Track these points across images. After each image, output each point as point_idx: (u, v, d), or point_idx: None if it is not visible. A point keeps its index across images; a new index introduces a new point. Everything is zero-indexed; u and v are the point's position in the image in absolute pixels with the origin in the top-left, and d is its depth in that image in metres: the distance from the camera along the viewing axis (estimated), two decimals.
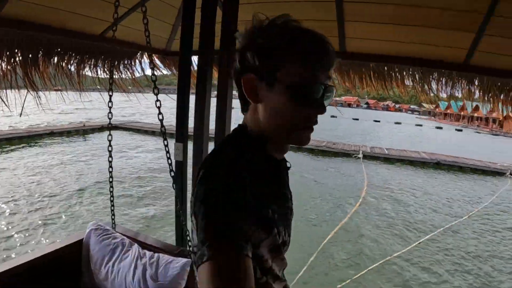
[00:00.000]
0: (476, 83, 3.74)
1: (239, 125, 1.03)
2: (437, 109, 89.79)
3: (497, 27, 2.83)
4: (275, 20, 0.92)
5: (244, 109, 1.04)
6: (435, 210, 11.35)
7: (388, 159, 19.18)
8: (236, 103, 1.30)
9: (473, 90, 3.78)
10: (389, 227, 9.26)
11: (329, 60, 0.91)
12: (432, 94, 3.80)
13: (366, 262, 6.98)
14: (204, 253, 0.75)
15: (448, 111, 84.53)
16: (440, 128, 58.56)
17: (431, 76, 3.68)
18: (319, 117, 0.96)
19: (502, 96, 3.76)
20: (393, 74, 3.71)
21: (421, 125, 59.49)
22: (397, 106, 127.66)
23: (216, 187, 0.83)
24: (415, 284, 6.32)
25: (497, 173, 18.68)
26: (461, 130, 59.53)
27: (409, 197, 12.53)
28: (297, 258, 6.65)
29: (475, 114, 74.62)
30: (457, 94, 3.85)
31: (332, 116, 51.10)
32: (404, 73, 3.70)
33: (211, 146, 1.54)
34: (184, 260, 2.19)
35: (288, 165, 1.10)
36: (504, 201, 13.28)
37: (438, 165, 19.10)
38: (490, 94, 3.76)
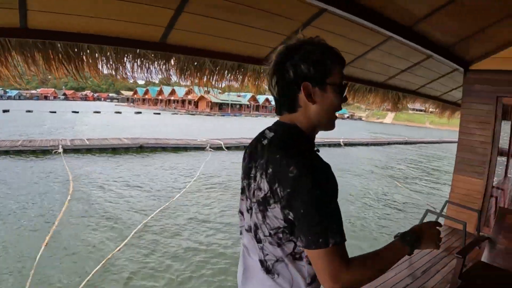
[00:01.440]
0: (173, 62, 4.03)
1: (290, 124, 1.30)
2: (135, 96, 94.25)
3: (197, 3, 3.10)
4: (313, 39, 1.27)
5: (291, 110, 1.31)
6: (149, 192, 12.10)
7: (91, 150, 19.01)
8: None
9: (170, 70, 4.06)
10: (102, 221, 9.15)
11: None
12: (127, 76, 3.77)
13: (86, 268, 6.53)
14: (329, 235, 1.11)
15: (146, 96, 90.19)
16: (140, 113, 62.38)
17: (126, 57, 3.66)
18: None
19: (199, 75, 4.28)
20: (84, 56, 3.40)
21: (120, 112, 61.37)
22: (96, 95, 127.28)
23: (321, 172, 1.16)
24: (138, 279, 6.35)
25: (199, 148, 22.27)
26: (159, 113, 65.13)
27: (118, 186, 12.77)
28: None
29: (172, 98, 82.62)
30: (154, 76, 4.00)
31: (28, 111, 46.89)
32: (97, 54, 3.48)
33: None
34: None
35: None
36: (210, 169, 16.15)
37: (142, 149, 20.61)
38: (187, 73, 4.18)
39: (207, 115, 69.20)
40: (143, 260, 6.95)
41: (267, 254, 1.28)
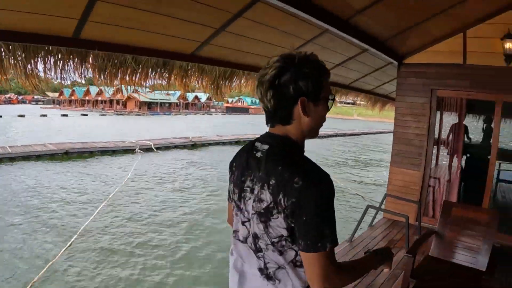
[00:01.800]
0: (91, 60, 3.58)
1: (283, 136, 1.33)
2: (61, 97, 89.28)
3: None
4: (309, 57, 1.30)
5: (285, 123, 1.32)
6: (70, 205, 11.15)
7: (14, 158, 17.31)
8: None
9: (88, 69, 3.61)
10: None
11: None
12: (38, 76, 3.29)
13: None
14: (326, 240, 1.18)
15: (73, 97, 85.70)
16: (66, 115, 58.65)
17: (37, 56, 3.18)
18: None
19: (120, 73, 3.83)
20: None
21: (46, 115, 57.34)
22: (20, 97, 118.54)
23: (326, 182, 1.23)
24: None
25: (128, 150, 21.16)
26: (86, 115, 61.68)
27: (46, 195, 11.79)
28: None
29: (100, 98, 79.23)
30: (70, 74, 3.50)
31: None
32: (3, 52, 3.00)
33: None
34: None
35: None
36: (140, 173, 15.32)
37: (68, 155, 19.06)
38: (106, 72, 3.72)
39: (136, 114, 66.98)
40: None
41: (268, 262, 1.33)
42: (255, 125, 42.36)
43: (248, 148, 1.44)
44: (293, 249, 1.28)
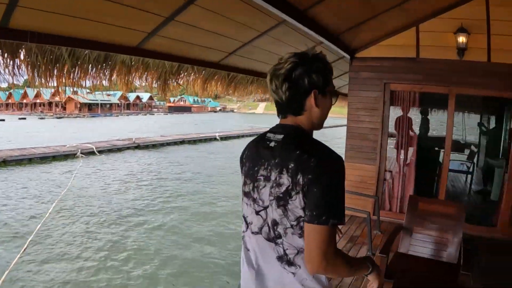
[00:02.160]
0: (22, 57, 3.08)
1: (294, 126, 1.41)
2: None
3: None
4: (319, 55, 1.41)
5: (297, 114, 1.42)
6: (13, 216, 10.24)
7: None
8: None
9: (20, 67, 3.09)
10: None
11: None
12: None
13: None
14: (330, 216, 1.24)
15: (10, 100, 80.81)
16: (3, 120, 54.78)
17: None
18: None
19: (56, 70, 3.39)
20: None
21: None
22: None
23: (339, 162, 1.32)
24: None
25: (69, 155, 19.84)
26: (25, 119, 57.93)
27: None
28: None
29: (38, 100, 75.08)
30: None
31: None
32: None
33: None
34: None
35: None
36: (83, 180, 14.33)
37: (5, 163, 17.56)
38: (41, 70, 3.25)
39: (76, 117, 64.16)
40: None
41: (287, 249, 1.36)
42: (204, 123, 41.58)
43: (258, 140, 1.51)
44: None
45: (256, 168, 1.44)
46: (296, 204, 1.29)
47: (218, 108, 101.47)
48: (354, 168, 6.04)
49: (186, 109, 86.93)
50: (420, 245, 3.46)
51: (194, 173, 16.92)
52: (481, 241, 4.82)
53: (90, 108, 71.14)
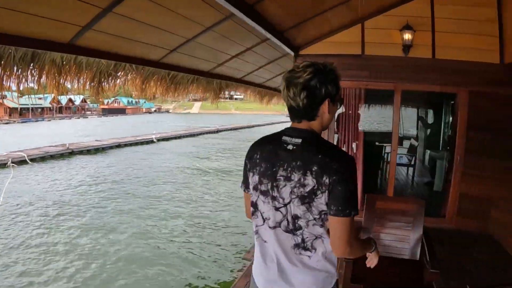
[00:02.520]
0: None
1: (309, 130, 1.56)
2: None
3: None
4: (333, 66, 1.55)
5: (311, 119, 1.56)
6: None
7: None
8: None
9: None
10: None
11: None
12: None
13: None
14: (349, 208, 1.45)
15: None
16: None
17: None
18: None
19: None
20: None
21: None
22: None
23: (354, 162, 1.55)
24: None
25: None
26: None
27: None
28: None
29: None
30: None
31: None
32: None
33: None
34: None
35: None
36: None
37: None
38: None
39: (6, 123, 58.13)
40: None
41: (307, 237, 1.55)
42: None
43: (273, 141, 1.61)
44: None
45: (274, 169, 1.55)
46: (321, 201, 1.47)
47: (153, 109, 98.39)
48: None
49: (121, 111, 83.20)
50: (381, 244, 3.37)
51: (133, 177, 16.05)
52: (433, 232, 4.87)
53: (21, 113, 65.89)
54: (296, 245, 1.57)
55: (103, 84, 4.27)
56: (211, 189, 13.97)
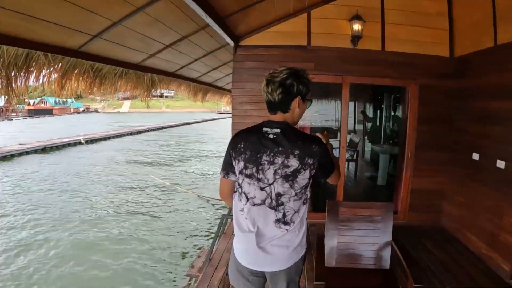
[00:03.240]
0: None
1: (284, 122, 1.91)
2: None
3: None
4: (305, 71, 1.91)
5: (284, 111, 1.92)
6: None
7: None
8: None
9: None
10: None
11: None
12: None
13: None
14: (333, 168, 1.97)
15: None
16: None
17: None
18: None
19: None
20: None
21: None
22: None
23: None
24: None
25: None
26: None
27: None
28: None
29: None
30: None
31: None
32: None
33: None
34: None
35: None
36: None
37: None
38: None
39: None
40: None
41: (288, 211, 1.89)
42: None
43: (255, 133, 1.92)
44: (308, 192, 1.96)
45: (259, 155, 1.86)
46: (304, 177, 1.85)
47: (81, 109, 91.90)
48: None
49: (48, 112, 76.63)
50: (346, 255, 2.99)
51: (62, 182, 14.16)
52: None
53: None
54: (277, 220, 1.89)
55: (10, 80, 3.49)
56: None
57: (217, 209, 10.45)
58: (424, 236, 4.91)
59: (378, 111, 9.07)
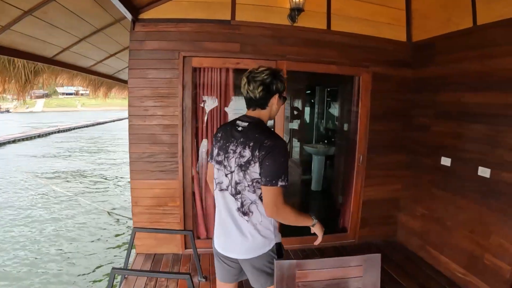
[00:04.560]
0: None
1: (256, 117, 1.97)
2: None
3: None
4: (281, 71, 1.99)
5: (262, 108, 1.98)
6: None
7: None
8: None
9: None
10: None
11: None
12: None
13: None
14: (275, 179, 1.77)
15: None
16: None
17: None
18: None
19: None
20: None
21: None
22: None
23: (284, 145, 1.86)
24: None
25: None
26: None
27: None
28: None
29: None
30: None
31: None
32: None
33: None
34: None
35: None
36: None
37: None
38: None
39: None
40: None
41: (245, 200, 1.90)
42: None
43: (230, 125, 2.03)
44: (260, 188, 1.85)
45: (227, 144, 1.97)
46: (254, 170, 1.82)
47: None
48: (145, 187, 3.98)
49: None
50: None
51: None
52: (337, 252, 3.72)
53: None
54: (238, 209, 1.93)
55: None
56: None
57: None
58: (383, 255, 4.02)
59: (308, 106, 8.03)
